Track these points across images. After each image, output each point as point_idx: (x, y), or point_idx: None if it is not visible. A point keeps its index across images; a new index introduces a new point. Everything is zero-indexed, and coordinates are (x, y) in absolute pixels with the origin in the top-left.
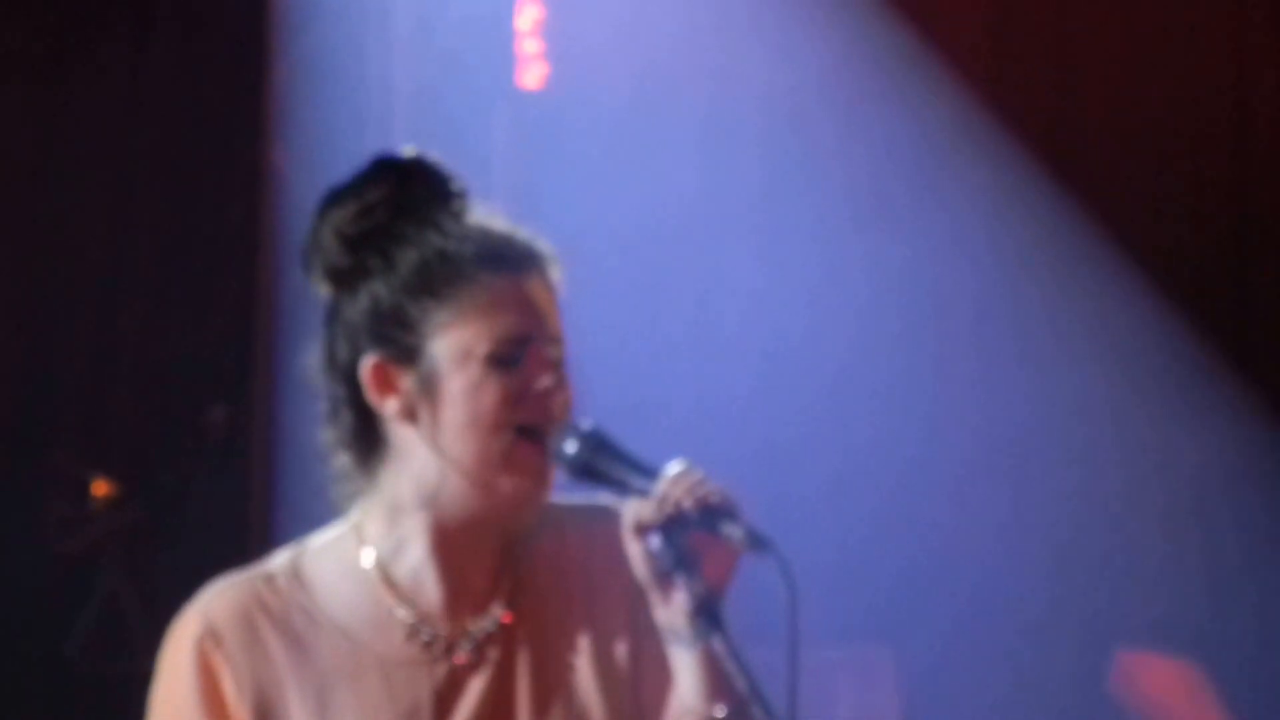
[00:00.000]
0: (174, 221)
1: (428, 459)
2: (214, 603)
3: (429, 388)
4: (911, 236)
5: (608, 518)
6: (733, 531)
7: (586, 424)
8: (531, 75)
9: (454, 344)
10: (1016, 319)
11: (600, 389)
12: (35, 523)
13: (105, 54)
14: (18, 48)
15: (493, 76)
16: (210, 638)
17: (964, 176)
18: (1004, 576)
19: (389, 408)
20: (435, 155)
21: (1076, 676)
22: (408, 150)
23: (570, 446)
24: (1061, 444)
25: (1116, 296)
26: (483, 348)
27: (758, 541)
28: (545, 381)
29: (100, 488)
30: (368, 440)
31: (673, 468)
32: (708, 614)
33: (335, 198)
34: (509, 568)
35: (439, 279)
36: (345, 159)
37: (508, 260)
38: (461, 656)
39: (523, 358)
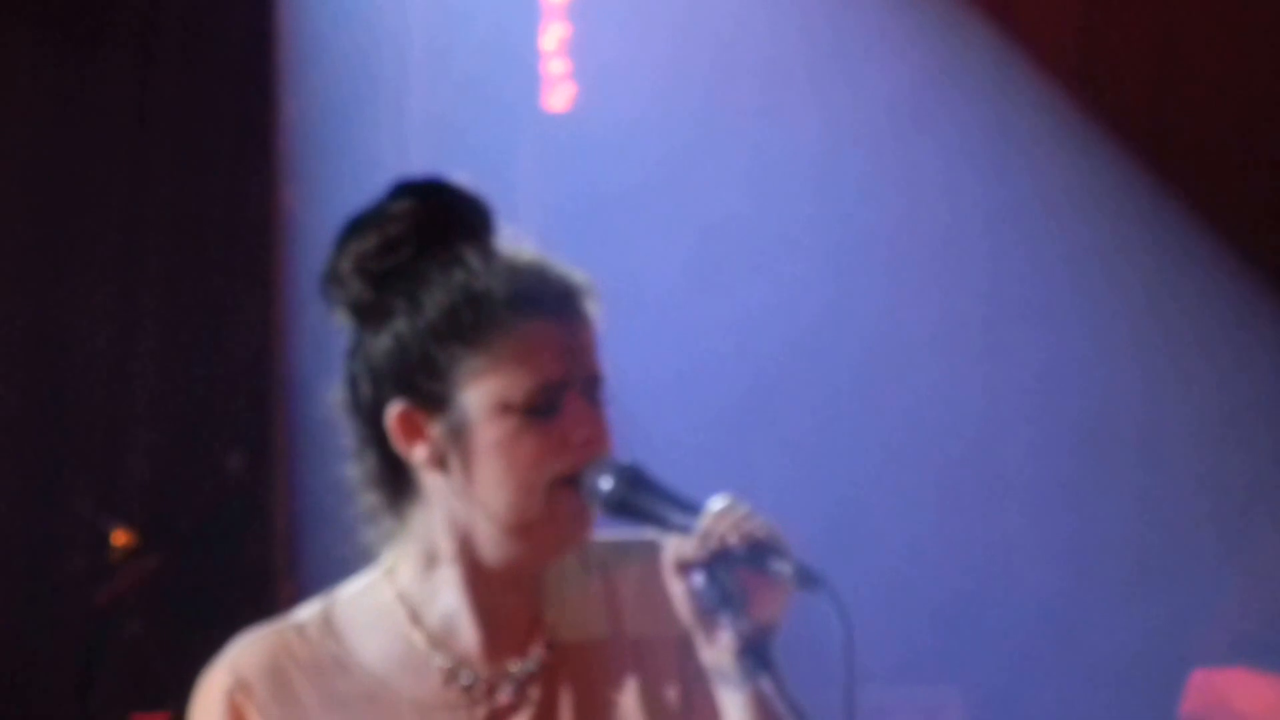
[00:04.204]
0: (185, 264)
1: (460, 506)
2: (244, 654)
3: (460, 438)
4: (990, 251)
5: (655, 554)
6: (781, 568)
7: (623, 459)
8: (558, 97)
9: (486, 393)
10: (1104, 327)
11: (634, 419)
12: (55, 574)
13: (109, 91)
14: (18, 86)
15: (516, 99)
16: (241, 689)
17: (1049, 183)
18: (1072, 604)
19: (417, 455)
20: (459, 178)
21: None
22: (431, 175)
23: (606, 483)
24: (1132, 460)
25: (1222, 299)
26: (517, 397)
27: (808, 578)
28: (584, 429)
29: (119, 537)
30: (395, 482)
31: (716, 503)
32: (755, 654)
33: (355, 228)
34: (551, 607)
35: (468, 324)
36: (360, 194)
37: (541, 301)
38: (503, 698)
39: (559, 405)
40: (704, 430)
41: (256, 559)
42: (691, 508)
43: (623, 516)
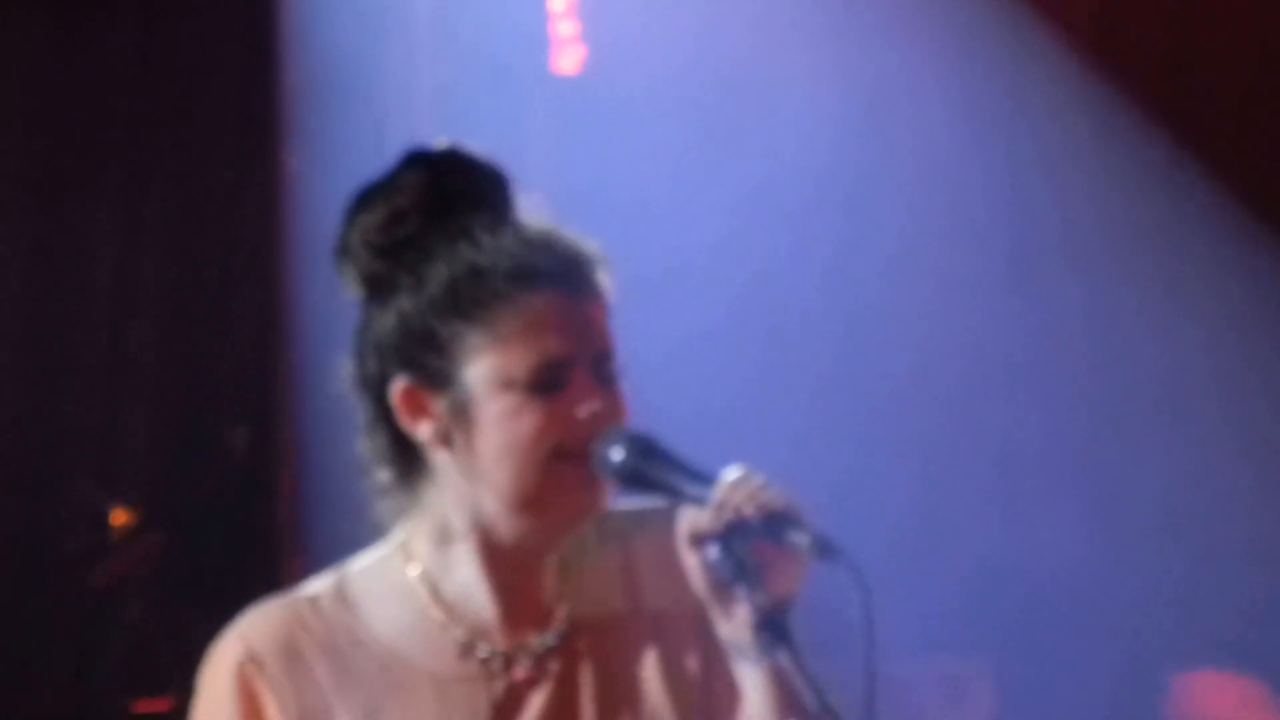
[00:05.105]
0: (187, 234)
1: (467, 483)
2: (254, 626)
3: (463, 414)
4: (1007, 218)
5: (672, 523)
6: (798, 539)
7: (634, 429)
8: (568, 59)
9: (489, 370)
10: (1124, 290)
11: (645, 389)
12: (55, 555)
13: (109, 53)
14: (17, 50)
15: (525, 62)
16: (252, 662)
17: (1065, 146)
18: (1099, 571)
19: (422, 432)
20: (471, 147)
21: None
22: (442, 144)
23: (616, 454)
24: (1158, 430)
25: (1241, 260)
26: (521, 374)
27: (826, 549)
28: (589, 405)
29: (119, 517)
30: (405, 459)
31: (730, 473)
32: (773, 627)
33: (365, 200)
34: (570, 579)
35: (470, 299)
36: (367, 159)
37: (547, 275)
38: (521, 671)
39: (565, 381)
40: (717, 398)
41: (261, 539)
42: (705, 478)
43: (635, 488)
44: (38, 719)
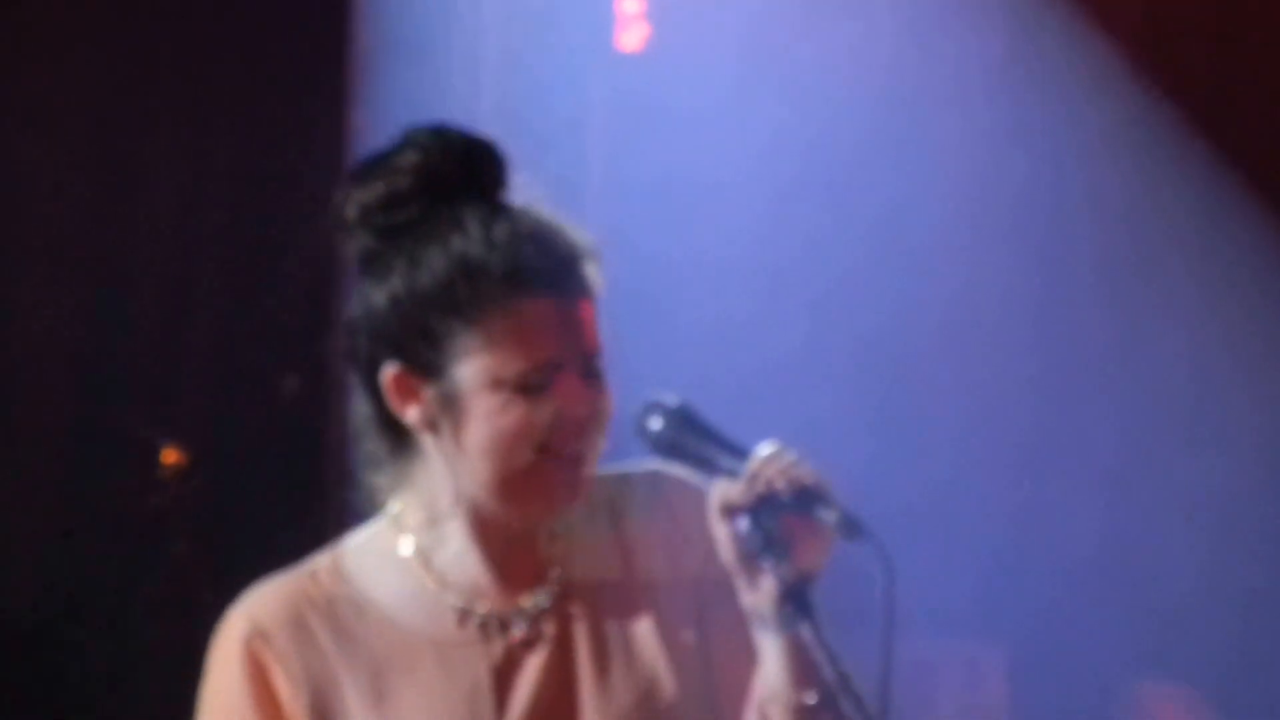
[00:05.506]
0: (251, 184)
1: (452, 469)
2: (259, 602)
3: (450, 406)
4: (1052, 217)
5: (662, 484)
6: (827, 516)
7: (672, 400)
8: (631, 36)
9: (480, 369)
10: (1163, 304)
11: (685, 363)
12: (104, 490)
13: (182, 10)
14: (82, 29)
15: (589, 37)
16: (259, 637)
17: (1106, 144)
18: (1119, 560)
19: (409, 416)
20: (529, 116)
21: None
22: (441, 124)
23: (655, 423)
24: (1181, 423)
25: (1267, 265)
26: (510, 375)
27: (853, 527)
28: (575, 409)
29: (170, 455)
30: (395, 435)
31: (764, 448)
32: (797, 600)
33: (363, 175)
34: (559, 541)
35: (465, 299)
36: (430, 120)
37: (541, 276)
38: (517, 634)
39: (553, 382)
40: (751, 376)
41: (307, 484)
42: (740, 452)
43: (671, 457)
44: (80, 652)
